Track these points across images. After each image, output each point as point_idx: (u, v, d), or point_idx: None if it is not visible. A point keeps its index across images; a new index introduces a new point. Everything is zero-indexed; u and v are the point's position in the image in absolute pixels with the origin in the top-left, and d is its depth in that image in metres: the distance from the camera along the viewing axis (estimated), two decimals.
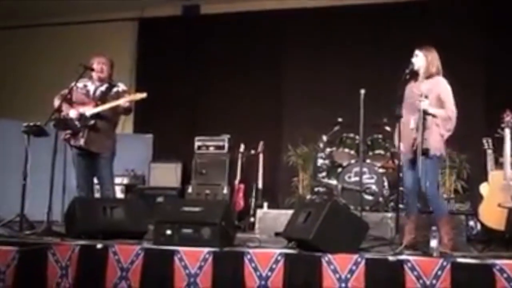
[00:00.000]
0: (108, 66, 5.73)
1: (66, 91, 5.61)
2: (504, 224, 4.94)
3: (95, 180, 5.74)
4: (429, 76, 4.81)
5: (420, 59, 4.84)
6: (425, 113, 4.59)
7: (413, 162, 4.74)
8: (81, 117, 5.50)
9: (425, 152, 4.52)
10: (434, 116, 4.64)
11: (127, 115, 6.13)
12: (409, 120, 4.75)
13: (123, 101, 5.49)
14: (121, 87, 5.75)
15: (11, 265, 4.21)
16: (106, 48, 7.37)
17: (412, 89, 4.86)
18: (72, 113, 5.52)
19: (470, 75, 7.57)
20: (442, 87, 4.77)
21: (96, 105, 5.52)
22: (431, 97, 4.66)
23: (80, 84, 5.68)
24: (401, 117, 4.85)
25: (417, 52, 4.87)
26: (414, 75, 4.89)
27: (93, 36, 9.43)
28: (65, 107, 5.56)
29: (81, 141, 5.48)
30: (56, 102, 5.57)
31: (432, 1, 8.06)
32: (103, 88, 5.69)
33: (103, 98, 5.59)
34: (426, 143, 4.52)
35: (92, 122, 5.48)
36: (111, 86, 5.72)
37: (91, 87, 5.70)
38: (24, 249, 4.27)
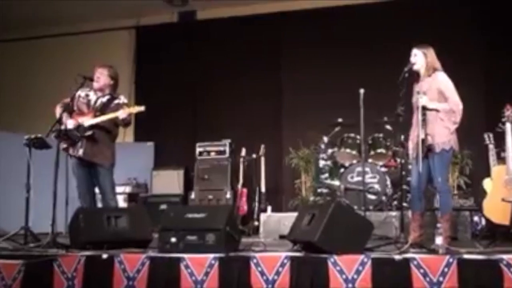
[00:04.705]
0: (105, 76, 5.69)
1: (68, 99, 5.60)
2: (508, 218, 4.93)
3: (97, 190, 5.74)
4: (430, 73, 4.83)
5: (420, 58, 4.86)
6: (425, 109, 4.60)
7: (426, 159, 4.74)
8: (79, 127, 5.50)
9: (431, 148, 4.51)
10: (436, 110, 4.64)
11: (125, 127, 6.09)
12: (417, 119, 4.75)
13: (120, 113, 5.44)
14: (122, 99, 5.72)
15: (17, 279, 4.20)
16: (104, 57, 7.40)
17: (416, 89, 4.87)
18: (70, 123, 5.51)
19: (470, 70, 7.57)
20: (441, 80, 4.80)
21: (95, 116, 5.52)
22: (431, 92, 4.68)
23: (82, 93, 5.69)
24: (401, 116, 4.86)
25: (415, 51, 4.89)
26: (415, 75, 4.90)
27: (91, 46, 9.46)
28: (64, 116, 5.55)
29: (80, 152, 5.49)
30: (58, 110, 5.57)
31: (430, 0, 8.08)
32: (104, 99, 5.68)
33: (103, 109, 5.59)
34: (431, 139, 4.51)
35: (90, 132, 5.48)
36: (113, 98, 5.70)
37: (92, 97, 5.70)
38: (29, 262, 4.25)
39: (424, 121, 4.59)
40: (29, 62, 9.86)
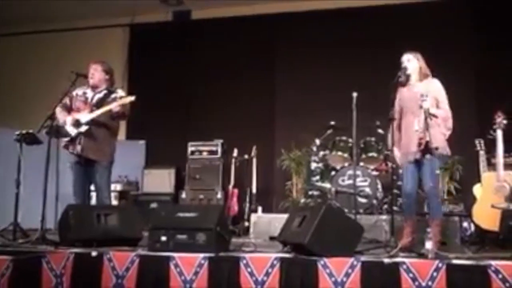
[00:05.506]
0: (99, 72, 5.67)
1: (67, 100, 5.60)
2: (497, 225, 4.96)
3: (92, 187, 5.70)
4: (422, 78, 4.86)
5: (413, 63, 4.89)
6: (428, 112, 4.60)
7: (418, 163, 4.75)
8: (76, 123, 5.47)
9: (435, 151, 4.50)
10: (435, 116, 4.66)
11: (122, 120, 5.93)
12: (412, 123, 4.75)
13: (114, 106, 5.39)
14: (119, 93, 5.67)
15: (5, 275, 4.15)
16: (98, 54, 7.33)
17: (408, 92, 4.89)
18: (69, 120, 5.50)
19: (462, 76, 7.60)
20: (438, 87, 4.86)
21: (91, 111, 5.48)
22: (429, 98, 4.68)
23: (80, 92, 5.69)
24: (393, 120, 4.88)
25: (408, 56, 4.92)
26: (404, 79, 4.92)
27: (85, 43, 9.42)
28: (62, 114, 5.53)
29: (78, 148, 5.46)
30: (58, 111, 5.53)
31: (423, 3, 8.12)
32: (101, 94, 5.66)
33: (100, 104, 5.55)
34: (433, 142, 4.51)
35: (85, 128, 5.45)
36: (110, 92, 5.67)
37: (90, 94, 5.68)
38: (18, 258, 4.20)
39: (427, 124, 4.57)
40: (24, 57, 9.82)
